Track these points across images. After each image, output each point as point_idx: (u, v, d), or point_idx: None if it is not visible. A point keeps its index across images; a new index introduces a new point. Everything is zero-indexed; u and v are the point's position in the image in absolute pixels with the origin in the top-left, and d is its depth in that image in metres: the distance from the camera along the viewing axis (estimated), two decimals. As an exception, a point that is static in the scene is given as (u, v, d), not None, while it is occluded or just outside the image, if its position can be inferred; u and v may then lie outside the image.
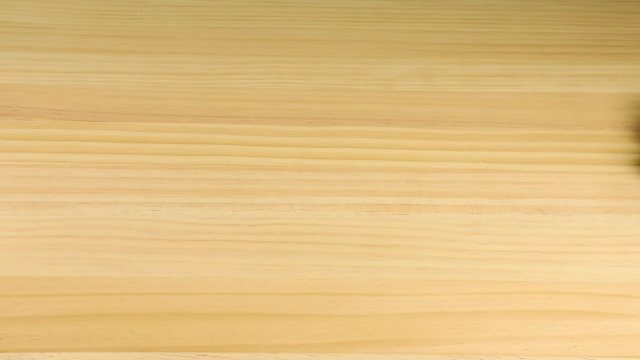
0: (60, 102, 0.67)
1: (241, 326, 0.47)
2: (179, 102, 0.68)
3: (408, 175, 0.60)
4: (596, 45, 0.80)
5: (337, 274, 0.51)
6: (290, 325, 0.47)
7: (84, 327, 0.46)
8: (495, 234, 0.54)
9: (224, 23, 0.81)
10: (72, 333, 0.46)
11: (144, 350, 0.45)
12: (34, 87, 0.69)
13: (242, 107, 0.68)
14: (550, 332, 0.47)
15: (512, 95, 0.71)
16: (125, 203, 0.56)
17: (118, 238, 0.53)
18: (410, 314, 0.48)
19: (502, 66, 0.75)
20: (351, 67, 0.74)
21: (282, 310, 0.48)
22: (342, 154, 0.62)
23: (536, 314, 0.48)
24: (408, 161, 0.61)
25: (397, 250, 0.53)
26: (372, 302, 0.49)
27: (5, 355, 0.45)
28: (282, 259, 0.52)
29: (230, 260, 0.51)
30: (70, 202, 0.56)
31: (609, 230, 0.55)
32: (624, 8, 0.87)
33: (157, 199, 0.56)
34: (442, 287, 0.50)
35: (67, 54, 0.74)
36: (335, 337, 0.47)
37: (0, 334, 0.46)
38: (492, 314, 0.48)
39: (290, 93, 0.70)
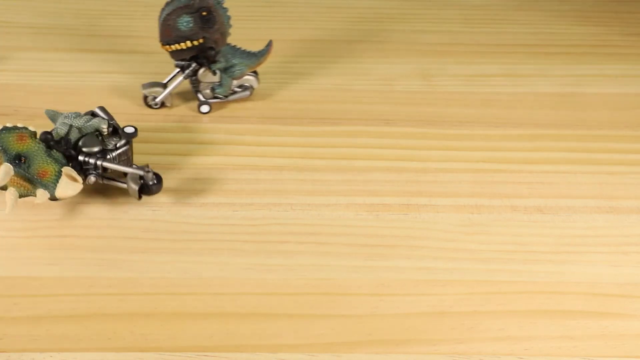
0: (60, 102, 0.67)
1: (241, 326, 0.47)
2: (179, 102, 0.68)
3: (408, 175, 0.60)
4: (596, 45, 0.80)
5: (337, 274, 0.51)
6: (290, 325, 0.47)
7: (84, 327, 0.46)
8: (495, 234, 0.54)
9: (224, 23, 0.81)
10: (72, 333, 0.46)
11: (144, 350, 0.45)
12: (34, 87, 0.69)
13: (242, 107, 0.68)
14: (550, 332, 0.47)
15: (512, 95, 0.71)
16: (125, 203, 0.56)
17: (118, 238, 0.53)
18: (410, 314, 0.48)
19: (502, 66, 0.75)
20: (351, 67, 0.75)
21: (282, 310, 0.48)
22: (342, 154, 0.62)
23: (536, 314, 0.48)
24: (408, 161, 0.61)
25: (397, 250, 0.53)
26: (372, 302, 0.49)
27: (5, 355, 0.45)
28: (282, 259, 0.52)
29: (230, 260, 0.52)
30: (70, 202, 0.56)
31: (609, 230, 0.55)
32: (624, 8, 0.87)
33: (158, 199, 0.56)
34: (442, 287, 0.50)
35: (67, 54, 0.74)
36: (335, 337, 0.47)
37: (0, 334, 0.46)
38: (492, 314, 0.48)
39: (290, 93, 0.70)
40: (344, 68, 0.74)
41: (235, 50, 0.66)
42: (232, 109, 0.67)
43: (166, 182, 0.58)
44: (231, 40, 0.65)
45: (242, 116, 0.67)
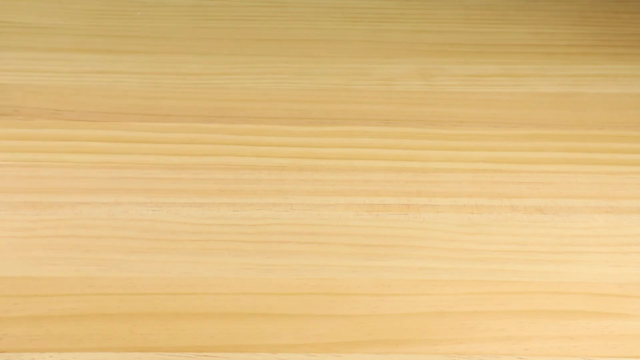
0: (60, 102, 0.67)
1: (241, 326, 0.47)
2: (179, 102, 0.68)
3: (408, 175, 0.60)
4: (596, 45, 0.80)
5: (337, 274, 0.51)
6: (290, 325, 0.47)
7: (84, 327, 0.46)
8: (495, 234, 0.54)
9: (223, 23, 0.81)
10: (72, 333, 0.46)
11: (144, 350, 0.45)
12: (34, 87, 0.69)
13: (242, 107, 0.68)
14: (550, 332, 0.47)
15: (512, 95, 0.71)
16: (125, 203, 0.56)
17: (118, 238, 0.53)
18: (410, 314, 0.48)
19: (502, 66, 0.75)
20: (351, 67, 0.74)
21: (282, 310, 0.48)
22: (342, 154, 0.62)
23: (536, 314, 0.48)
24: (408, 161, 0.61)
25: (397, 250, 0.53)
26: (372, 302, 0.49)
27: (6, 356, 0.45)
28: (282, 259, 0.52)
29: (230, 260, 0.51)
30: (70, 202, 0.56)
31: (609, 230, 0.55)
32: (624, 8, 0.87)
33: (157, 199, 0.56)
34: (442, 287, 0.50)
35: (67, 54, 0.74)
36: (335, 337, 0.47)
37: (0, 334, 0.46)
38: (492, 314, 0.48)
39: (290, 93, 0.70)
40: (344, 68, 0.74)
41: None
42: (232, 109, 0.67)
43: (166, 182, 0.58)
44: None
45: (242, 116, 0.67)
